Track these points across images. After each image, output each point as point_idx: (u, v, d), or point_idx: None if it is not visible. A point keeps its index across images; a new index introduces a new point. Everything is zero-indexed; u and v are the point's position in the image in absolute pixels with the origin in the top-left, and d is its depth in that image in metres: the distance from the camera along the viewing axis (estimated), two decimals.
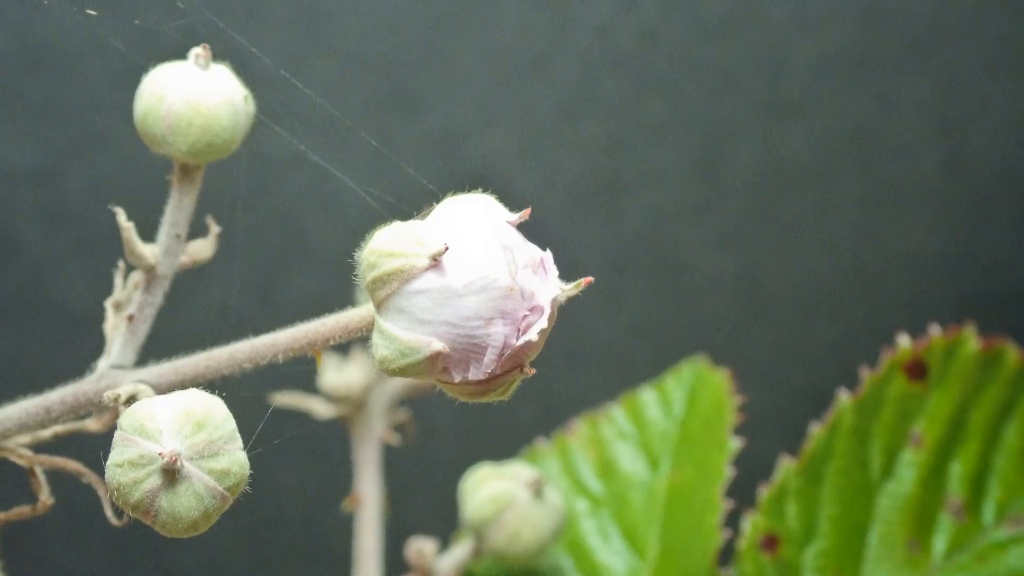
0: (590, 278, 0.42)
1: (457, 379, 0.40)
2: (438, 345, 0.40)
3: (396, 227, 0.41)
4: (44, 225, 0.91)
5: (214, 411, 0.40)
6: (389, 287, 0.41)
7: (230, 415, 0.40)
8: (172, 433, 0.39)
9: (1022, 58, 0.99)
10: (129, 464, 0.39)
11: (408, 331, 0.40)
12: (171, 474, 0.39)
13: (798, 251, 0.99)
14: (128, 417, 0.40)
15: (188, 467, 0.39)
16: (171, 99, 0.47)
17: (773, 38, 0.96)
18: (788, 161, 0.98)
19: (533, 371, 0.41)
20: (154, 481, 0.39)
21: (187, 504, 0.39)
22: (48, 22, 0.88)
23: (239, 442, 0.40)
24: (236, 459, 0.40)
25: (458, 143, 0.95)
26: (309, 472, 0.95)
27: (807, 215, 0.99)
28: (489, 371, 0.40)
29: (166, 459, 0.39)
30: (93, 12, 0.52)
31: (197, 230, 0.49)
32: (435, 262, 0.40)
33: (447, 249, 0.40)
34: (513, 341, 0.40)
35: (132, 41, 0.55)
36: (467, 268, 0.40)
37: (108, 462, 0.40)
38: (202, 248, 0.50)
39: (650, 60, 0.96)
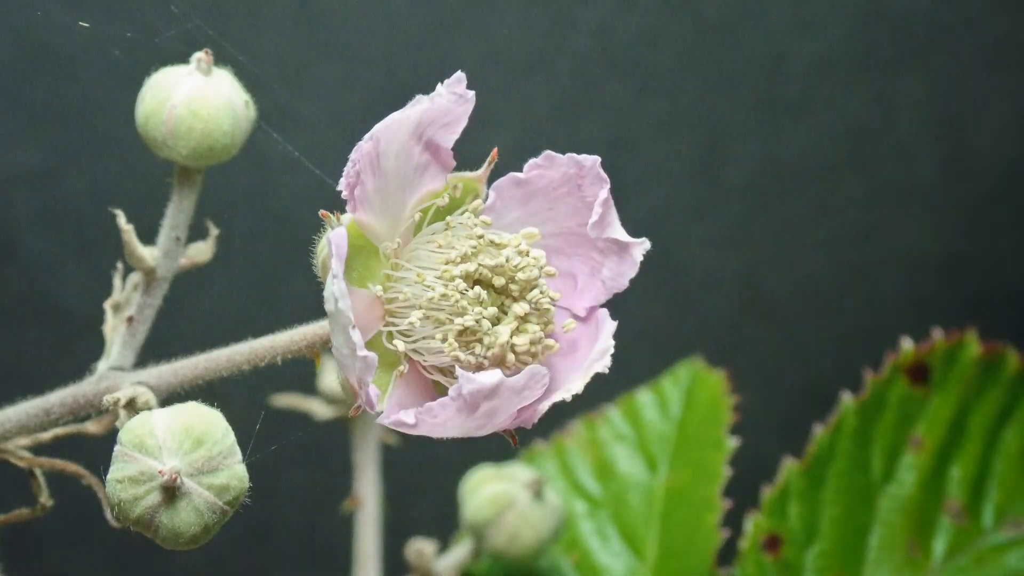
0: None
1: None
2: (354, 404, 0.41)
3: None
4: (44, 227, 0.91)
5: (213, 426, 0.40)
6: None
7: (229, 428, 0.40)
8: (172, 450, 0.39)
9: (1022, 58, 0.98)
10: (129, 480, 0.39)
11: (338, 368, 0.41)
12: (171, 491, 0.39)
13: (798, 251, 0.99)
14: (128, 432, 0.40)
15: (188, 484, 0.39)
16: (172, 103, 0.47)
17: (773, 38, 0.96)
18: (788, 161, 0.98)
19: (516, 441, 0.42)
20: (154, 498, 0.39)
21: (187, 520, 0.39)
22: (47, 26, 0.88)
23: (238, 455, 0.40)
24: (235, 473, 0.40)
25: (458, 143, 0.95)
26: (309, 473, 0.95)
27: (807, 215, 0.99)
28: (361, 403, 0.39)
29: (166, 477, 0.39)
30: (85, 24, 0.52)
31: (196, 233, 0.50)
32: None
33: (338, 216, 0.40)
34: (368, 377, 0.39)
35: (131, 45, 0.55)
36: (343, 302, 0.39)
37: (108, 477, 0.40)
38: (201, 251, 0.50)
39: (650, 60, 0.95)
